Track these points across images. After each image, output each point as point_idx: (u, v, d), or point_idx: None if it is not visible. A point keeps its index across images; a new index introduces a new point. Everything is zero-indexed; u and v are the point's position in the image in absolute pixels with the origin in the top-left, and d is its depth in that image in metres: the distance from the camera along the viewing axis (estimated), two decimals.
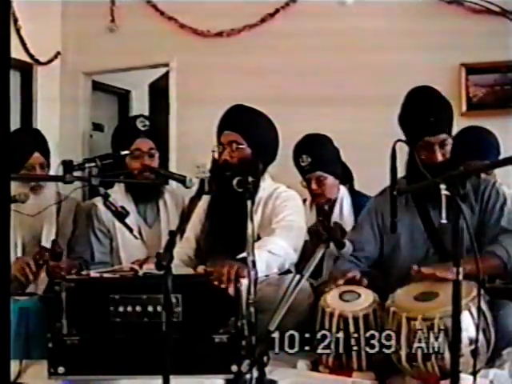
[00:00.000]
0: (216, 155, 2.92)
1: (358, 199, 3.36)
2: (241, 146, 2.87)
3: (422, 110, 2.64)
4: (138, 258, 3.14)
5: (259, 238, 2.70)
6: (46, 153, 3.30)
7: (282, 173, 3.21)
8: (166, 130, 4.96)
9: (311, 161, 3.30)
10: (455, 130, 3.43)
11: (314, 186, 3.34)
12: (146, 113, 5.56)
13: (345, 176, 3.50)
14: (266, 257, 2.57)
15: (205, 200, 3.01)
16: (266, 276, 2.59)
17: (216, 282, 2.27)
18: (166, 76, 5.33)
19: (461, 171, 2.55)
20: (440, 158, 2.59)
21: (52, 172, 3.29)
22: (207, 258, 2.90)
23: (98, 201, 3.19)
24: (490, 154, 3.20)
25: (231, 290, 2.26)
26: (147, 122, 3.29)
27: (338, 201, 3.39)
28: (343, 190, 3.42)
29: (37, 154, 3.23)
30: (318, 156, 3.33)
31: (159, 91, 5.62)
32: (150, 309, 2.25)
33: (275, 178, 3.07)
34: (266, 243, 2.65)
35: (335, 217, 3.34)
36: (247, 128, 2.91)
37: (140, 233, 3.26)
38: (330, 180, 3.36)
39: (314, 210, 3.44)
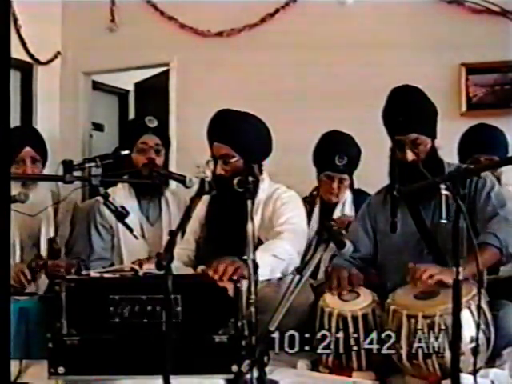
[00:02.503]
0: (211, 166, 2.90)
1: (358, 197, 3.36)
2: (233, 160, 2.83)
3: (393, 109, 2.66)
4: (140, 255, 3.14)
5: (259, 239, 2.70)
6: (39, 149, 3.30)
7: (282, 172, 3.21)
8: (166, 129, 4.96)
9: (347, 162, 3.29)
10: (455, 130, 3.47)
11: (335, 185, 3.34)
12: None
13: None
14: (270, 261, 2.55)
15: (205, 202, 3.01)
16: (268, 280, 2.58)
17: (212, 277, 2.27)
18: (158, 75, 5.35)
19: (461, 171, 2.56)
20: (410, 157, 2.58)
21: (52, 171, 3.29)
22: (207, 259, 2.90)
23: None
24: (497, 150, 3.20)
25: (231, 291, 2.26)
26: (156, 123, 3.32)
27: (341, 199, 3.39)
28: (347, 190, 3.43)
29: (28, 149, 3.23)
30: (353, 158, 3.34)
31: (148, 90, 5.62)
32: (150, 309, 2.25)
33: (273, 177, 3.07)
34: (272, 247, 2.63)
35: (337, 215, 3.34)
36: (236, 138, 2.85)
37: (142, 231, 3.27)
38: (348, 182, 3.38)
39: (318, 202, 3.44)
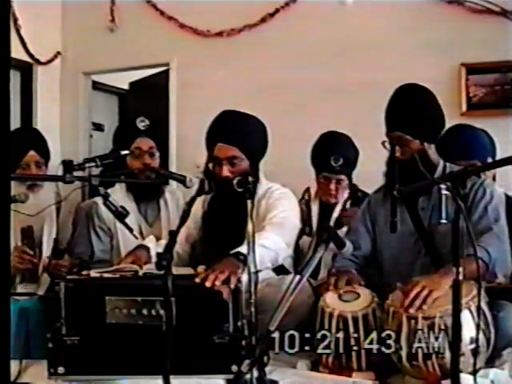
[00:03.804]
0: (210, 167, 2.90)
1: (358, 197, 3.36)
2: (240, 162, 2.84)
3: (388, 106, 2.68)
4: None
5: None
6: (42, 152, 3.30)
7: (279, 172, 3.21)
8: (166, 129, 4.95)
9: (343, 162, 3.28)
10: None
11: (332, 186, 3.33)
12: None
13: None
14: (258, 251, 2.55)
15: (203, 200, 3.01)
16: (259, 271, 2.58)
17: (200, 281, 2.28)
18: (155, 75, 5.35)
19: (461, 171, 2.55)
20: (396, 154, 2.58)
21: (52, 172, 3.29)
22: (205, 259, 2.90)
23: (99, 199, 3.19)
24: (477, 154, 3.13)
25: (226, 294, 2.25)
26: (147, 122, 3.29)
27: (340, 200, 3.39)
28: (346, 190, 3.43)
29: (32, 153, 3.23)
30: (349, 159, 3.33)
31: (145, 90, 5.61)
32: (148, 310, 2.25)
33: (270, 176, 3.07)
34: (258, 238, 2.63)
35: (336, 215, 3.34)
36: (244, 140, 2.86)
37: (141, 232, 3.26)
38: (346, 182, 3.37)
39: (317, 203, 3.44)
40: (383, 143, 2.63)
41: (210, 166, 2.90)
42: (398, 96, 2.68)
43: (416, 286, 2.26)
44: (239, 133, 2.87)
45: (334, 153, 3.29)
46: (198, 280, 2.28)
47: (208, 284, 2.26)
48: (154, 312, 2.23)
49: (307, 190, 3.49)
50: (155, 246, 2.86)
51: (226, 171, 2.82)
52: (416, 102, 2.65)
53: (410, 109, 2.63)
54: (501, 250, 2.45)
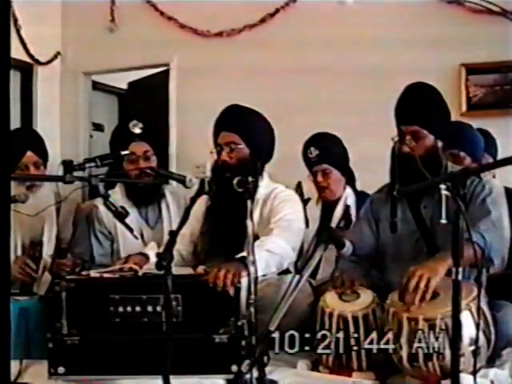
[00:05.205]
0: (215, 156, 2.94)
1: (361, 198, 3.35)
2: (239, 147, 2.90)
3: (403, 100, 2.66)
4: None
5: (258, 238, 2.70)
6: (40, 152, 3.29)
7: (281, 173, 3.21)
8: (163, 130, 4.94)
9: (318, 153, 3.32)
10: None
11: (319, 178, 3.35)
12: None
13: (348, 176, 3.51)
14: (264, 256, 2.57)
15: (205, 200, 3.01)
16: (264, 275, 2.59)
17: (211, 285, 2.29)
18: (154, 75, 5.35)
19: (461, 171, 2.55)
20: (406, 149, 2.57)
21: (52, 172, 3.29)
22: (206, 258, 2.91)
23: (99, 202, 3.17)
24: (463, 145, 3.12)
25: (231, 290, 2.26)
26: (141, 125, 3.25)
27: (342, 199, 3.39)
28: (348, 190, 3.43)
29: (30, 154, 3.22)
30: (325, 149, 3.35)
31: (145, 90, 5.61)
32: (150, 309, 2.25)
33: (274, 178, 3.08)
34: (265, 242, 2.66)
35: (338, 215, 3.34)
36: (244, 128, 2.93)
37: (142, 234, 3.25)
38: (336, 174, 3.37)
39: (319, 206, 3.44)
40: (394, 139, 2.62)
41: (215, 155, 2.95)
42: (412, 91, 2.67)
43: (413, 276, 2.24)
44: (239, 121, 2.95)
45: (309, 146, 3.36)
46: (210, 281, 2.30)
47: (219, 288, 2.27)
48: (158, 309, 2.24)
49: (298, 184, 3.52)
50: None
51: (224, 155, 2.90)
52: (431, 98, 2.66)
53: (427, 103, 2.62)
54: (496, 236, 2.43)
